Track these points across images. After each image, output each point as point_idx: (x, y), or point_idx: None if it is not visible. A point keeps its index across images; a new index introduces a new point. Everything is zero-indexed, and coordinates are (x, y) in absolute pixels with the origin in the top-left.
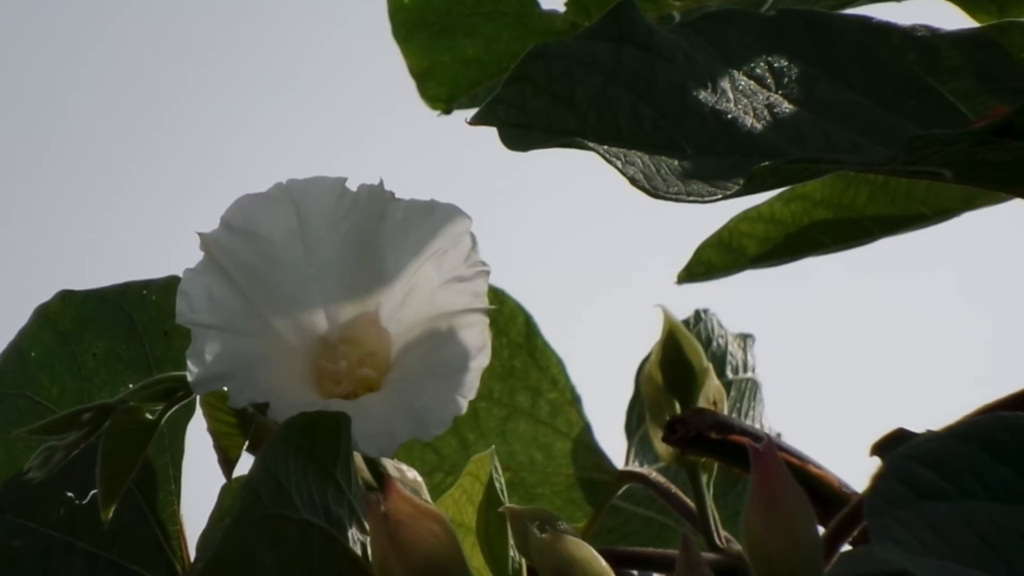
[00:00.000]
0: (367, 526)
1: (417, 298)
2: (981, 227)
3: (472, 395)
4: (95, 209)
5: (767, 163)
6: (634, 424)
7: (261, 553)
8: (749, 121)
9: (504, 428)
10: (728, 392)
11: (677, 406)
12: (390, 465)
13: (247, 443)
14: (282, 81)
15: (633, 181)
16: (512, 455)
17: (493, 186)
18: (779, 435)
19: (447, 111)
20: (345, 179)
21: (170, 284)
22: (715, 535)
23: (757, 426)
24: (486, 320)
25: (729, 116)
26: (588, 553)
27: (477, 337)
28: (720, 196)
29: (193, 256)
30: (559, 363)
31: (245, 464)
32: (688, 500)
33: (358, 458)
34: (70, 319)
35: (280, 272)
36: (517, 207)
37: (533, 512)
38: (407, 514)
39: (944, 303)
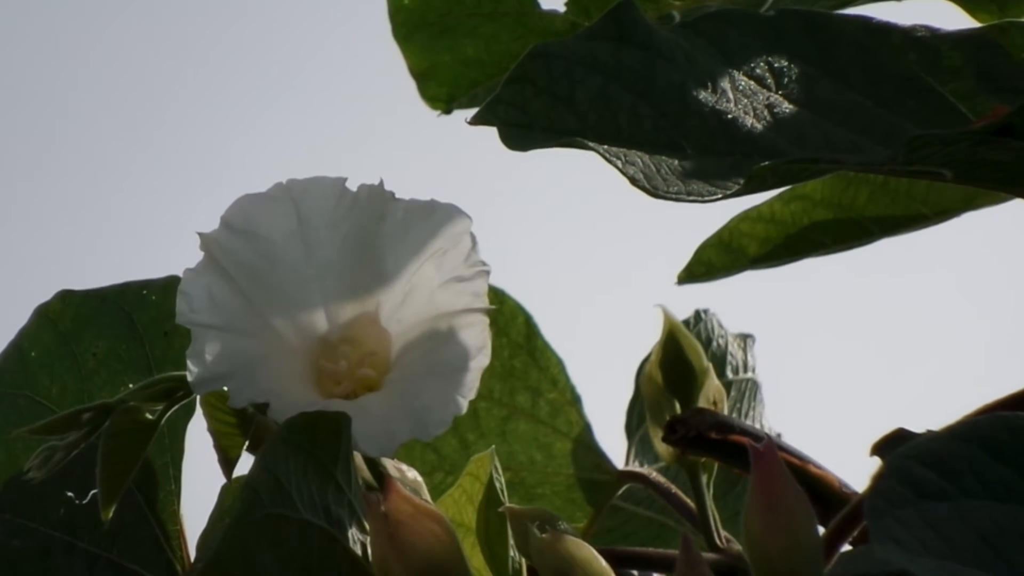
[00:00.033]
0: (367, 526)
1: (417, 298)
2: (981, 227)
3: (472, 395)
4: (95, 209)
5: (767, 163)
6: (634, 424)
7: (261, 553)
8: (749, 121)
9: (504, 428)
10: (728, 392)
11: (677, 406)
12: (390, 465)
13: (247, 443)
14: (282, 81)
15: (633, 181)
16: (512, 455)
17: (493, 186)
18: (779, 435)
19: (447, 111)
20: (345, 179)
21: (170, 284)
22: (715, 535)
23: (757, 426)
24: (486, 320)
25: (729, 116)
26: (588, 553)
27: (477, 337)
28: (720, 196)
29: (193, 256)
30: (559, 363)
31: (245, 464)
32: (688, 500)
33: (358, 458)
34: (70, 319)
35: (280, 272)
36: (517, 207)
37: (533, 512)
38: (407, 514)
39: (944, 303)
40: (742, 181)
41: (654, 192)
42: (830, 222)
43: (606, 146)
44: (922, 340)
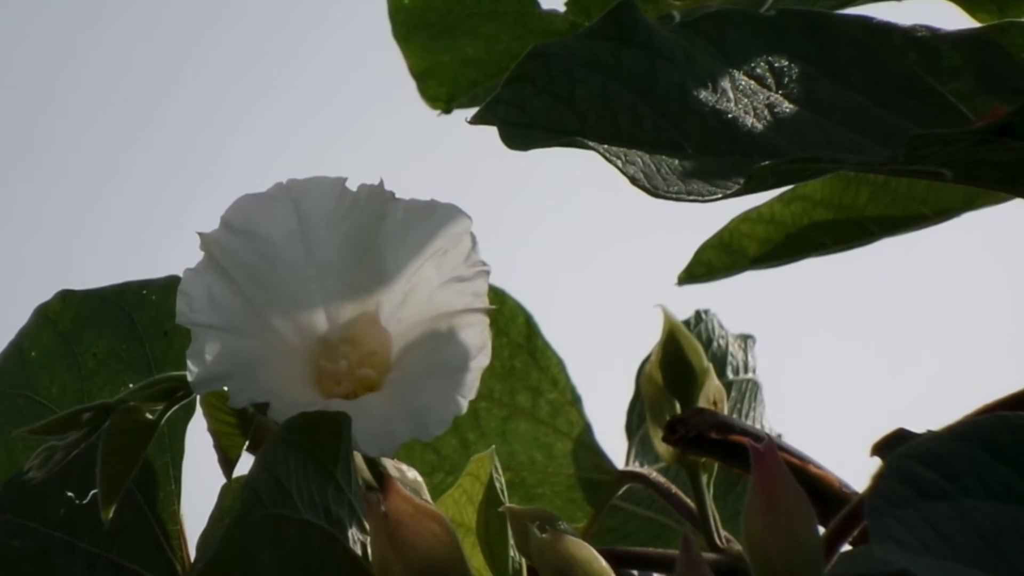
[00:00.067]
0: (367, 526)
1: (417, 298)
2: (981, 227)
3: (472, 395)
4: (95, 209)
5: (767, 162)
6: (634, 424)
7: (261, 553)
8: (749, 121)
9: (504, 428)
10: (728, 393)
11: (677, 406)
12: (390, 465)
13: (247, 443)
14: (282, 81)
15: (633, 181)
16: (512, 455)
17: (493, 186)
18: (779, 435)
19: (447, 111)
20: (345, 179)
21: (170, 284)
22: (715, 535)
23: (758, 426)
24: (486, 320)
25: (729, 116)
26: (588, 553)
27: (477, 337)
28: (720, 195)
29: (193, 256)
30: (559, 363)
31: (245, 464)
32: (688, 500)
33: (358, 458)
34: (70, 319)
35: (280, 272)
36: (517, 207)
37: (533, 512)
38: (407, 514)
39: (944, 303)
40: (742, 181)
41: (654, 192)
42: (830, 222)
43: (606, 146)
44: (922, 340)
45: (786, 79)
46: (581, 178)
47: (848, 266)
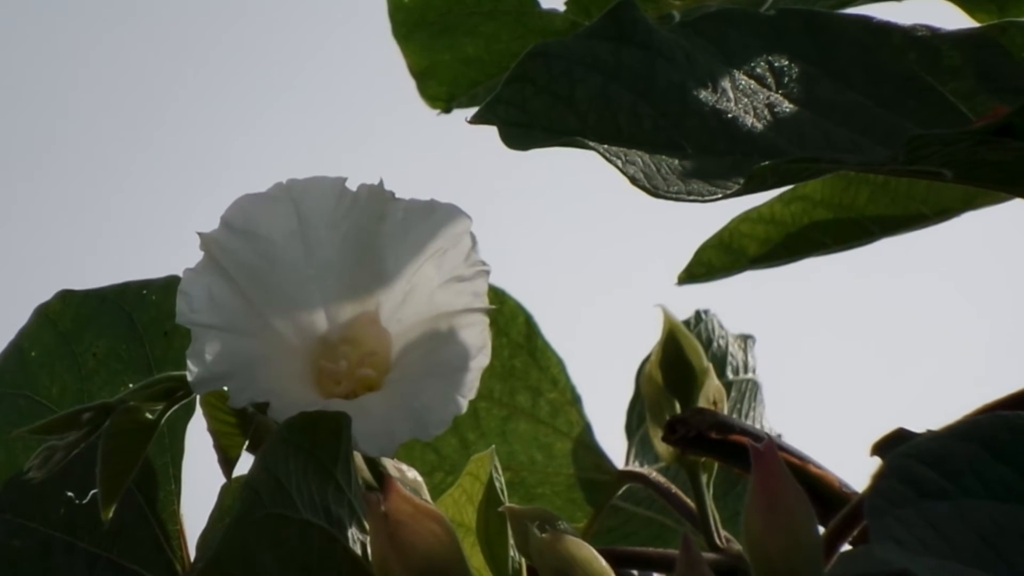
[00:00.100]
0: (367, 526)
1: (417, 298)
2: (981, 227)
3: (472, 395)
4: (95, 209)
5: (767, 163)
6: (634, 424)
7: (261, 553)
8: (749, 121)
9: (504, 428)
10: (728, 392)
11: (677, 406)
12: (390, 465)
13: (247, 443)
14: (282, 81)
15: (633, 180)
16: (512, 455)
17: (493, 186)
18: (779, 435)
19: (447, 110)
20: (345, 179)
21: (170, 284)
22: (715, 535)
23: (757, 426)
24: (486, 320)
25: (729, 116)
26: (588, 553)
27: (477, 337)
28: (720, 195)
29: (193, 256)
30: (559, 363)
31: (245, 464)
32: (688, 500)
33: (358, 458)
34: (70, 319)
35: (280, 272)
36: (517, 207)
37: (533, 512)
38: (407, 514)
39: (944, 303)
40: (742, 181)
41: (654, 192)
42: (830, 222)
43: (606, 146)
44: (922, 340)
45: (786, 79)
46: (581, 178)
47: (848, 266)
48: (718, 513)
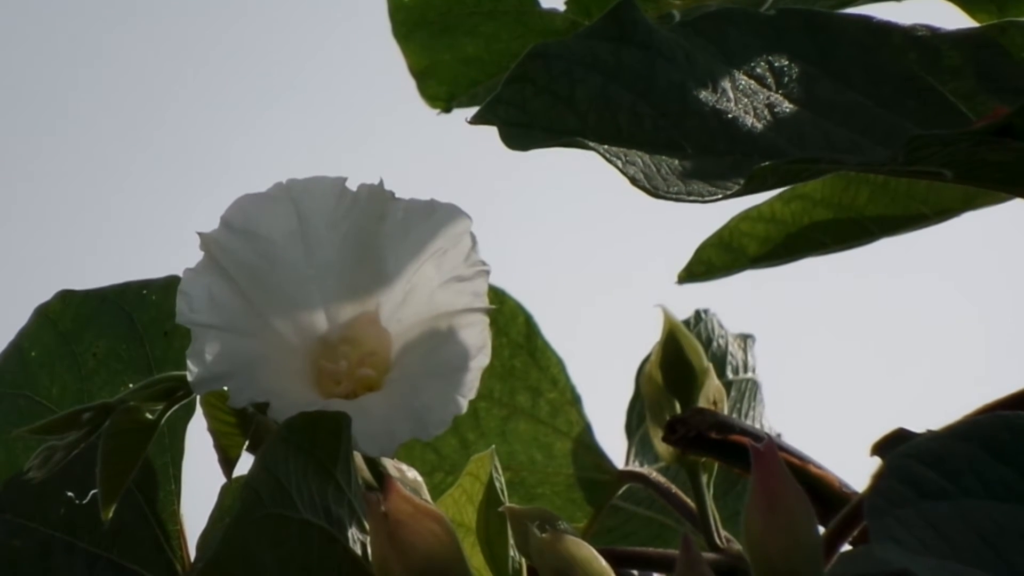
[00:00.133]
0: (367, 526)
1: (417, 298)
2: (981, 227)
3: (472, 395)
4: (95, 209)
5: (767, 163)
6: (634, 424)
7: (261, 553)
8: (749, 121)
9: (504, 428)
10: (728, 392)
11: (677, 406)
12: (390, 465)
13: (247, 443)
14: (282, 81)
15: (633, 181)
16: (512, 455)
17: (493, 186)
18: (779, 435)
19: (447, 110)
20: (345, 179)
21: (170, 284)
22: (715, 535)
23: (757, 426)
24: (486, 320)
25: (729, 116)
26: (588, 553)
27: (477, 337)
28: (720, 196)
29: (193, 256)
30: (559, 363)
31: (245, 464)
32: (688, 500)
33: (358, 458)
34: (70, 319)
35: (280, 272)
36: (517, 207)
37: (533, 512)
38: (407, 514)
39: (944, 303)
40: (742, 181)
41: (654, 192)
42: (830, 222)
43: (606, 146)
44: (922, 340)
45: (786, 79)
46: (581, 178)
47: (848, 266)
48: (718, 513)
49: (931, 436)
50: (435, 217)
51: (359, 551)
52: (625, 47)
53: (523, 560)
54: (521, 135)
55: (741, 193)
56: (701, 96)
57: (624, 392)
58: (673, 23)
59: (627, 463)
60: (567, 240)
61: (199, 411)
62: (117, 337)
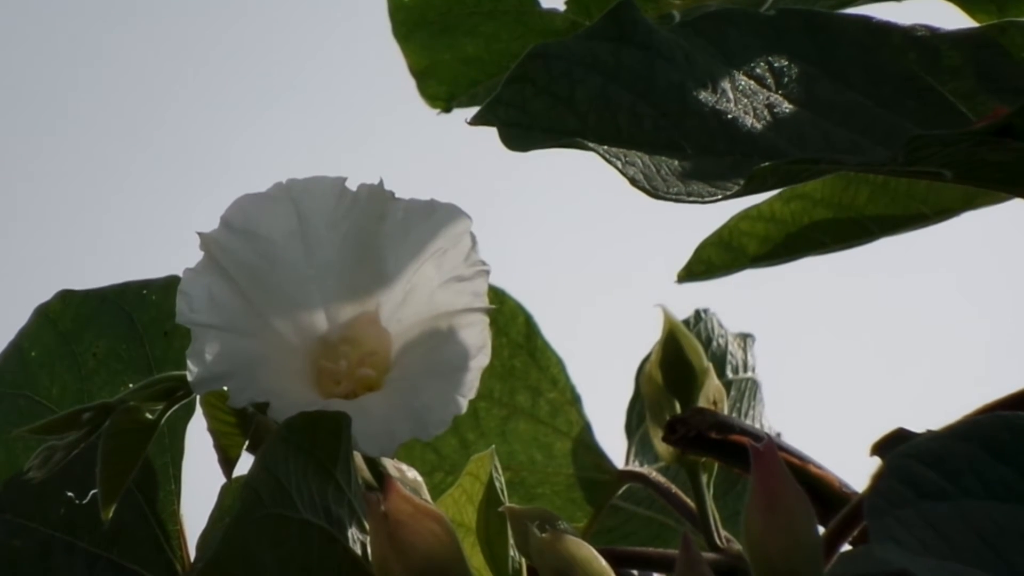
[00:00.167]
0: (367, 526)
1: (417, 298)
2: (981, 227)
3: (472, 395)
4: (95, 209)
5: (767, 164)
6: (634, 424)
7: (261, 553)
8: (749, 121)
9: (504, 428)
10: (728, 392)
11: (677, 406)
12: (390, 465)
13: (247, 443)
14: (282, 81)
15: (633, 181)
16: (512, 455)
17: (493, 186)
18: (779, 435)
19: (447, 110)
20: (345, 179)
21: (170, 284)
22: (715, 535)
23: (757, 426)
24: (486, 320)
25: (729, 116)
26: (588, 553)
27: (477, 337)
28: (720, 196)
29: (193, 256)
30: (559, 363)
31: (245, 464)
32: (688, 500)
33: (358, 458)
34: (70, 319)
35: (280, 272)
36: (517, 207)
37: (533, 512)
38: (407, 514)
39: (944, 303)
40: (742, 182)
41: (654, 193)
42: (830, 221)
43: (606, 146)
44: (922, 340)
45: (786, 79)
46: (581, 178)
47: (848, 265)
48: (718, 513)
49: (931, 436)
50: (435, 217)
51: (359, 551)
52: (625, 47)
53: (523, 560)
54: (521, 136)
55: (741, 193)
56: (701, 96)
57: (624, 392)
58: (673, 23)
59: (627, 463)
60: (567, 240)
61: (199, 411)
62: (117, 337)
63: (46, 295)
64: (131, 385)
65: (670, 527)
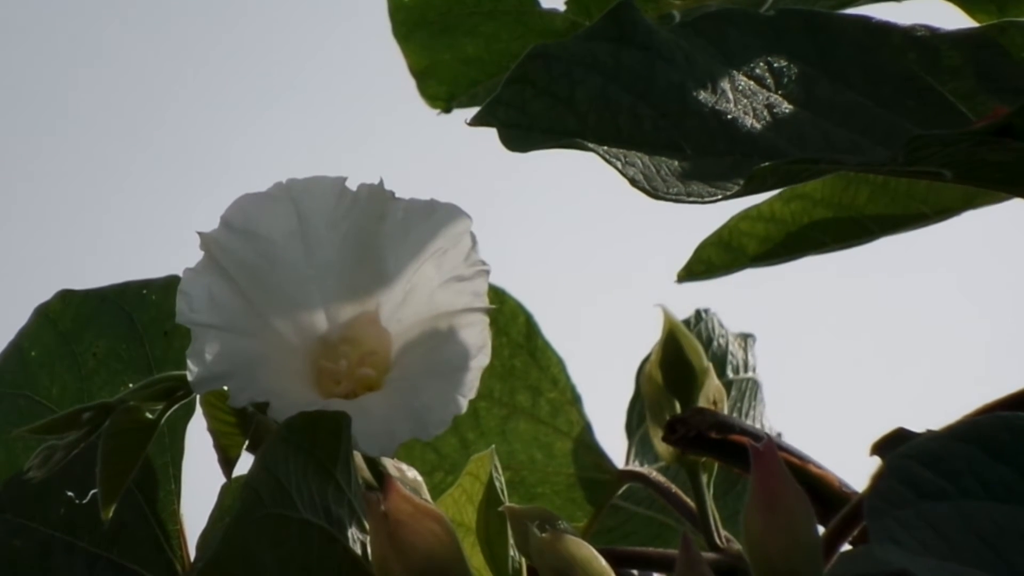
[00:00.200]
0: (367, 526)
1: (417, 297)
2: (981, 227)
3: (472, 394)
4: (95, 209)
5: (767, 164)
6: (634, 424)
7: (261, 553)
8: (749, 121)
9: (504, 427)
10: (728, 392)
11: (677, 406)
12: (390, 465)
13: (247, 443)
14: (282, 81)
15: (633, 182)
16: (512, 454)
17: (493, 186)
18: (779, 435)
19: (447, 110)
20: (345, 179)
21: (170, 284)
22: (715, 535)
23: (757, 426)
24: (486, 319)
25: (729, 116)
26: (588, 552)
27: (477, 336)
28: (720, 196)
29: (193, 256)
30: (559, 363)
31: (245, 464)
32: (688, 500)
33: (358, 458)
34: (70, 319)
35: (280, 272)
36: (517, 207)
37: (533, 511)
38: (407, 514)
39: (944, 303)
40: (742, 182)
41: (654, 193)
42: (830, 221)
43: (606, 147)
44: (922, 340)
45: (785, 79)
46: (581, 178)
47: (848, 265)
48: (718, 513)
49: (931, 436)
50: (435, 217)
51: (359, 551)
52: (625, 48)
53: (523, 560)
54: (521, 136)
55: (741, 194)
56: (701, 97)
57: (624, 392)
58: (673, 24)
59: (627, 463)
60: (567, 240)
61: (199, 411)
62: (117, 337)
63: (46, 295)
64: (131, 385)
65: (670, 527)
